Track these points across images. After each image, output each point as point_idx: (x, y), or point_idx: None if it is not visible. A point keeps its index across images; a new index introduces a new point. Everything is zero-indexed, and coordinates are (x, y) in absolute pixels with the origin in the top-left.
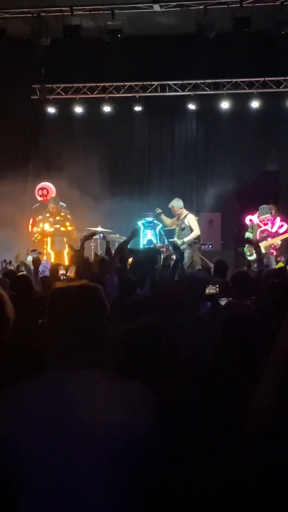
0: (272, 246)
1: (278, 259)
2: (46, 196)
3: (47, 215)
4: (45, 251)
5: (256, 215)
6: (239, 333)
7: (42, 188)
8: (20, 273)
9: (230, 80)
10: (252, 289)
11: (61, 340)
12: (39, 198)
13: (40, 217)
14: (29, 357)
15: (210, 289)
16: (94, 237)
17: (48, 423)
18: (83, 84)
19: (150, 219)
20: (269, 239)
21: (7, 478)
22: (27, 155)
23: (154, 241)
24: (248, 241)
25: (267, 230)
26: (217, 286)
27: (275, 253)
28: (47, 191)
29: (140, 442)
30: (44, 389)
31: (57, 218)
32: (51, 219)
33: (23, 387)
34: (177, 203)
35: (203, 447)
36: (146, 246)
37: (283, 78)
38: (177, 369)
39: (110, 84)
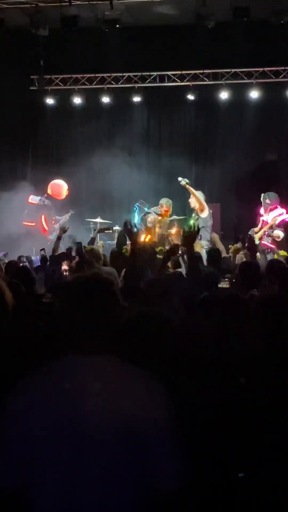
0: (266, 237)
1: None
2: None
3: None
4: None
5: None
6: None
7: (56, 185)
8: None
9: (229, 70)
10: (259, 281)
11: (75, 326)
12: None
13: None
14: (31, 342)
15: (223, 284)
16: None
17: (59, 410)
18: (81, 75)
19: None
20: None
21: (19, 468)
22: (26, 146)
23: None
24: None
25: (263, 221)
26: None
27: (273, 246)
28: (59, 188)
29: (147, 431)
30: (56, 378)
31: None
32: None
33: (39, 373)
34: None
35: (210, 435)
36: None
37: (282, 68)
38: (178, 356)
39: (109, 74)
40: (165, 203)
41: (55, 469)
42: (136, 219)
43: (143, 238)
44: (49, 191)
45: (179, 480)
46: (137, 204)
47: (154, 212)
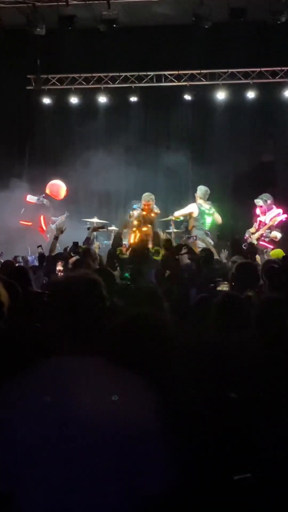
0: (263, 238)
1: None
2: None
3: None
4: None
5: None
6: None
7: (55, 185)
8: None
9: (226, 70)
10: (256, 281)
11: (62, 326)
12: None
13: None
14: (26, 343)
15: (223, 286)
16: (101, 229)
17: (46, 412)
18: (78, 75)
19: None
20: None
21: (6, 473)
22: (23, 146)
23: None
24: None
25: (261, 221)
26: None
27: (270, 246)
28: (58, 188)
29: (135, 432)
30: (44, 378)
31: None
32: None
33: (25, 375)
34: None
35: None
36: None
37: (279, 68)
38: (172, 358)
39: (106, 74)
40: (144, 198)
41: (42, 473)
42: None
43: (133, 239)
44: (47, 191)
45: (168, 483)
46: (135, 205)
47: (139, 208)
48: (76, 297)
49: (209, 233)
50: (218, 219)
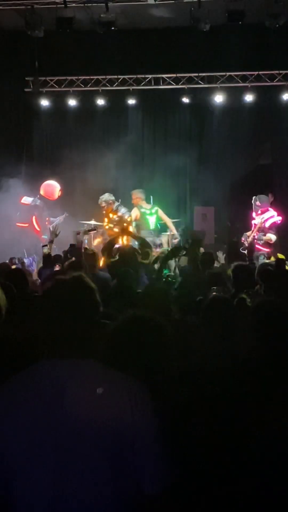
0: (257, 241)
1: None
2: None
3: None
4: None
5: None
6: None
7: (49, 185)
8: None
9: (224, 73)
10: (252, 283)
11: (54, 330)
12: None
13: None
14: (21, 347)
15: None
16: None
17: (40, 415)
18: (76, 77)
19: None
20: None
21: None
22: (20, 148)
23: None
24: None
25: (255, 224)
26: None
27: (265, 249)
28: (52, 189)
29: (126, 434)
30: (37, 381)
31: None
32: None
33: (15, 379)
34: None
35: (196, 438)
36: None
37: (277, 71)
38: (168, 362)
39: (104, 77)
40: (133, 192)
41: (36, 474)
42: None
43: (120, 241)
44: (41, 192)
45: (162, 483)
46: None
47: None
48: (67, 300)
49: (152, 232)
50: (163, 216)
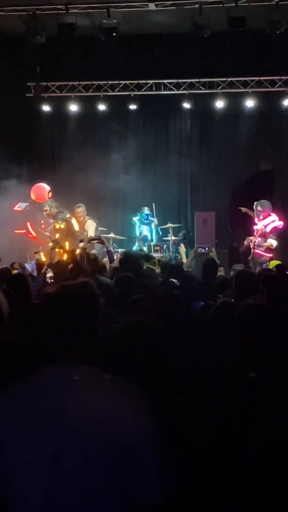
0: (258, 247)
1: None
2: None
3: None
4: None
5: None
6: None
7: (38, 188)
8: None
9: (225, 79)
10: (255, 289)
11: (56, 336)
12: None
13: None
14: (23, 353)
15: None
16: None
17: (40, 421)
18: (78, 82)
19: (147, 211)
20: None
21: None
22: (21, 153)
23: (149, 238)
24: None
25: (256, 230)
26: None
27: (268, 255)
28: (42, 191)
29: (127, 441)
30: (37, 387)
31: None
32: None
33: (16, 385)
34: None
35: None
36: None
37: (278, 77)
38: (168, 367)
39: (105, 82)
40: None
41: (35, 480)
42: (153, 224)
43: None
44: (32, 197)
45: (162, 492)
46: (149, 213)
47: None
48: (70, 307)
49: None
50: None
